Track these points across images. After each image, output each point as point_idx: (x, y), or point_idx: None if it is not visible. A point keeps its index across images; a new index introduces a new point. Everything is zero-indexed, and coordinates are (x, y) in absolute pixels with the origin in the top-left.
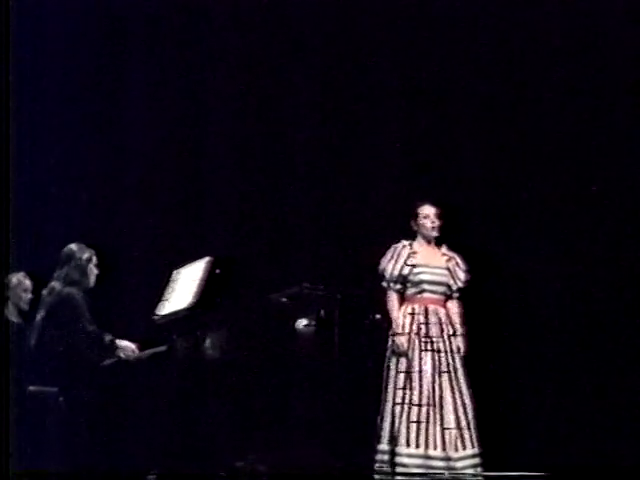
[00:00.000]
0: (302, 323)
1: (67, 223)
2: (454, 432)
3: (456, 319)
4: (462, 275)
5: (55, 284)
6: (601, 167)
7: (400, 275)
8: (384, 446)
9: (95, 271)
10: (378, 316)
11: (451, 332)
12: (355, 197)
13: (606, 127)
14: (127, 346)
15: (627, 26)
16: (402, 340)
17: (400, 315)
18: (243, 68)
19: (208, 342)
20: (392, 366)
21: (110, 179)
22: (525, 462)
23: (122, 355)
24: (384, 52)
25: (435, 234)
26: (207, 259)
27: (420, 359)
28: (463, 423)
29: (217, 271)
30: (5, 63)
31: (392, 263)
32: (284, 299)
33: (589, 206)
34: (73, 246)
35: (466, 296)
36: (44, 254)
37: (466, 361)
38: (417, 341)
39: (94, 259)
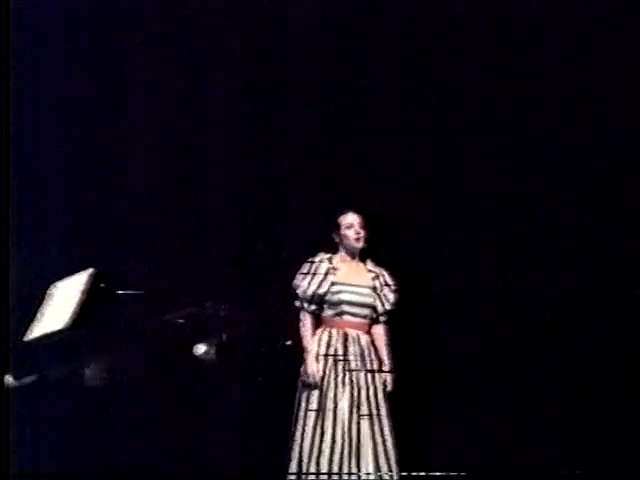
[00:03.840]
0: (200, 349)
1: (67, 226)
2: (372, 478)
3: (382, 347)
4: (391, 296)
5: None
6: (538, 173)
7: (316, 294)
8: None
9: None
10: (289, 342)
11: (375, 363)
12: (268, 203)
13: (543, 133)
14: None
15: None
16: (315, 371)
17: (314, 341)
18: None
19: (89, 369)
20: (302, 402)
21: (109, 181)
22: None
23: None
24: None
25: (360, 246)
26: (89, 271)
27: (335, 394)
28: (384, 470)
29: (101, 285)
30: (5, 66)
31: (307, 280)
32: (180, 320)
33: (527, 216)
34: None
35: (394, 320)
36: (44, 257)
37: (391, 398)
38: (333, 373)
39: None
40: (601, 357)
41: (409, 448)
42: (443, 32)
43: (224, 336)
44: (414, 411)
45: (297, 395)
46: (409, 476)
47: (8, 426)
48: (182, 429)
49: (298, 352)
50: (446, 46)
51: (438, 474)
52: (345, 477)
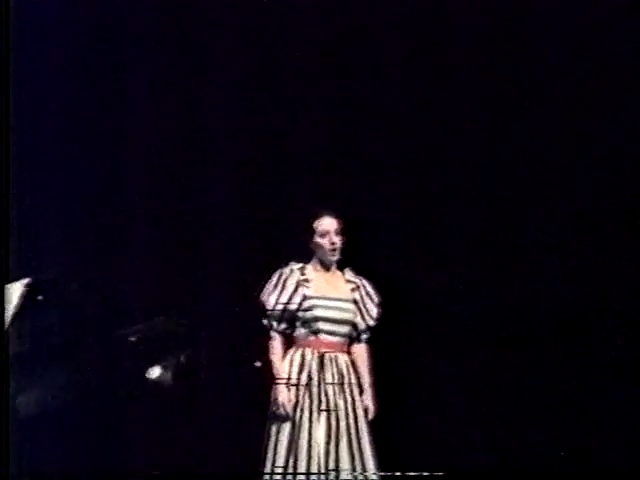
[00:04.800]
0: (155, 372)
1: (67, 229)
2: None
3: (363, 369)
4: (373, 310)
5: None
6: (528, 176)
7: (286, 311)
8: None
9: None
10: (258, 364)
11: (355, 388)
12: (235, 205)
13: (531, 137)
14: None
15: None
16: (286, 400)
17: (285, 364)
18: None
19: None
20: (272, 433)
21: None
22: None
23: None
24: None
25: (335, 258)
26: (24, 281)
27: (310, 424)
28: None
29: (39, 298)
30: (5, 71)
31: (276, 294)
32: (133, 338)
33: (517, 224)
34: None
35: (377, 338)
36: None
37: (374, 427)
38: (307, 399)
39: None
40: (579, 372)
41: (387, 449)
42: (430, 34)
43: (182, 357)
44: (392, 414)
45: (266, 426)
46: (386, 476)
47: (8, 426)
48: (177, 431)
49: (268, 376)
50: (432, 50)
51: (415, 474)
52: (322, 477)
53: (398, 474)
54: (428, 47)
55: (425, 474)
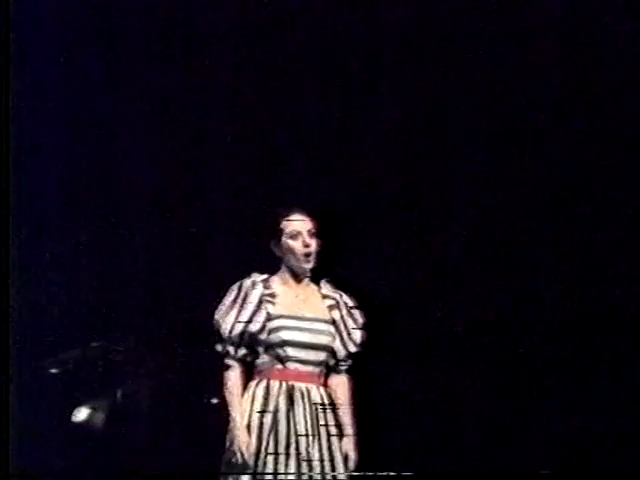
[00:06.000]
0: (81, 414)
1: (67, 225)
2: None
3: (343, 406)
4: (356, 333)
5: None
6: (521, 184)
7: (246, 333)
8: None
9: None
10: (215, 400)
11: (332, 428)
12: (188, 204)
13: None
14: None
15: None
16: (244, 444)
17: (245, 399)
18: None
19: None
20: None
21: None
22: None
23: None
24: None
25: (310, 266)
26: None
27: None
28: None
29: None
30: (5, 69)
31: (234, 313)
32: (56, 370)
33: (514, 228)
34: None
35: (359, 367)
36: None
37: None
38: (272, 444)
39: None
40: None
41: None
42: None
43: (119, 391)
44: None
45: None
46: (356, 476)
47: (8, 426)
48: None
49: (223, 415)
50: (415, 48)
51: (384, 474)
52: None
53: (370, 474)
54: (408, 45)
55: (392, 474)
